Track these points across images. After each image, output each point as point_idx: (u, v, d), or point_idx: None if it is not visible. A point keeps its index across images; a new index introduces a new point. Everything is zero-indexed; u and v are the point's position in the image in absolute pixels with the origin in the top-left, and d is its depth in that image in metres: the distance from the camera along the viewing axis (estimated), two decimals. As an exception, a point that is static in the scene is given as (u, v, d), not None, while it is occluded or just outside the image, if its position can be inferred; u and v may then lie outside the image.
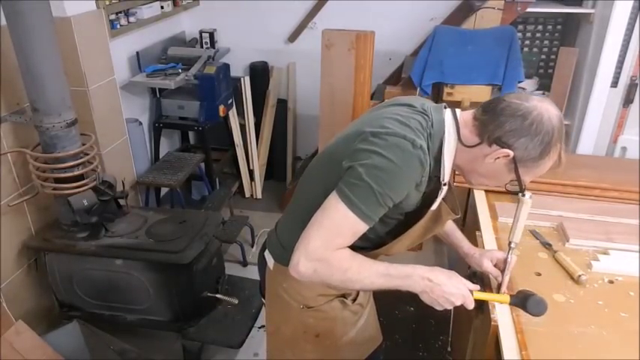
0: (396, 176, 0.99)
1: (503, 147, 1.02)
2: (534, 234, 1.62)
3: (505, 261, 1.24)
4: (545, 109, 1.01)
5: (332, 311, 1.28)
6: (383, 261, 1.11)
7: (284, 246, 1.23)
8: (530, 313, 1.11)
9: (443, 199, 1.17)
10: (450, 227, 1.40)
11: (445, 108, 1.12)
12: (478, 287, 1.12)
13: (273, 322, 1.38)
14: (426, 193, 1.12)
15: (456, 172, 1.20)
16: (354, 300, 1.32)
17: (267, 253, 1.31)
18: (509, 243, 1.22)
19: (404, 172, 1.00)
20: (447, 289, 1.06)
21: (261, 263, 1.36)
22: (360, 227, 1.02)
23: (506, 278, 1.24)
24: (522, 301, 1.11)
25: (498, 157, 1.04)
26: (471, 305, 1.09)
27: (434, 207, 1.15)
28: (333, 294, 1.27)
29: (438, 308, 1.08)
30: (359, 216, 1.00)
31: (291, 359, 1.36)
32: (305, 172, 1.25)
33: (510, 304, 1.14)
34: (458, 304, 1.07)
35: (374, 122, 1.06)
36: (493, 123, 1.03)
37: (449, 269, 1.11)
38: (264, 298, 1.41)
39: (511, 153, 1.02)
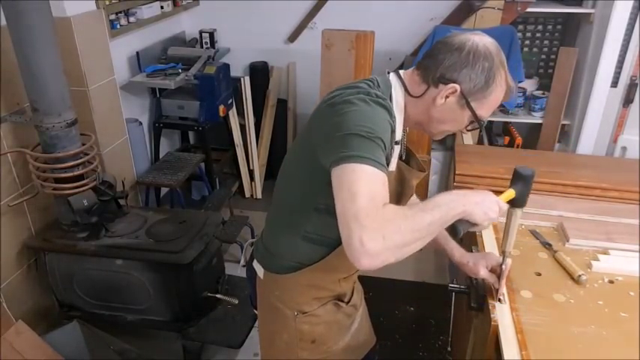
0: (373, 117, 0.97)
1: (447, 83, 1.03)
2: (534, 234, 1.61)
3: (500, 268, 1.24)
4: (478, 38, 1.04)
5: (326, 315, 1.27)
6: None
7: (272, 253, 1.22)
8: (522, 175, 1.13)
9: (405, 162, 1.18)
10: (440, 234, 1.32)
11: (387, 72, 1.14)
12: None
13: (267, 335, 1.35)
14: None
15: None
16: (348, 302, 1.31)
17: (255, 264, 1.29)
18: (503, 252, 1.23)
19: (376, 113, 0.98)
20: (480, 197, 1.02)
21: (251, 274, 1.33)
22: (382, 176, 0.91)
23: (503, 283, 1.26)
24: (523, 183, 1.14)
25: (447, 96, 1.04)
26: (505, 205, 1.09)
27: (391, 167, 1.11)
28: (326, 296, 1.26)
29: (492, 217, 1.02)
30: (374, 165, 0.90)
31: None
32: (277, 178, 1.23)
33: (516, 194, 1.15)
34: (501, 205, 1.06)
35: (329, 99, 1.05)
36: (433, 64, 1.04)
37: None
38: (255, 310, 1.38)
39: (457, 87, 1.03)
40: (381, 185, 0.91)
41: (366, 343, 1.43)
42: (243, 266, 1.45)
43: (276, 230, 1.21)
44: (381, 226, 0.86)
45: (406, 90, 1.10)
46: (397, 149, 1.11)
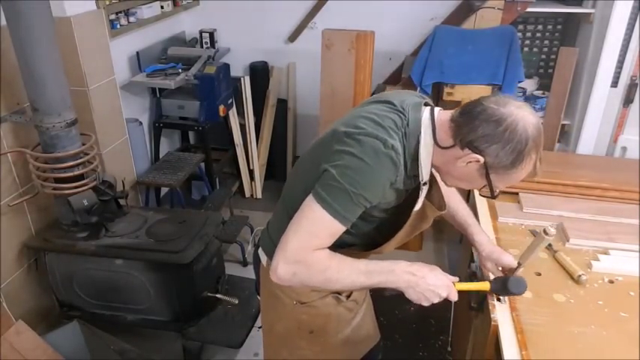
0: (369, 176, 1.00)
1: (474, 152, 1.01)
2: (534, 234, 1.61)
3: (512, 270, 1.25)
4: (521, 116, 0.98)
5: (325, 307, 1.29)
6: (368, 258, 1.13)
7: (275, 243, 1.23)
8: (512, 294, 1.13)
9: (427, 197, 1.18)
10: (458, 208, 1.37)
11: (425, 105, 1.11)
12: (457, 278, 1.13)
13: (267, 320, 1.40)
14: (407, 192, 1.13)
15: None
16: (349, 297, 1.32)
17: (260, 251, 1.33)
18: (518, 264, 1.24)
19: (376, 171, 1.00)
20: (432, 282, 1.07)
21: (256, 262, 1.37)
22: (337, 227, 1.03)
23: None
24: (502, 284, 1.14)
25: (470, 162, 1.03)
26: (454, 297, 1.10)
27: (417, 207, 1.16)
28: (325, 290, 1.27)
29: (425, 304, 1.09)
30: (334, 216, 1.01)
31: (286, 358, 1.37)
32: (292, 170, 1.27)
33: (491, 290, 1.17)
34: (444, 295, 1.08)
35: (350, 122, 1.07)
36: (467, 126, 1.01)
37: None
38: (259, 296, 1.43)
39: (481, 159, 1.01)
40: (327, 235, 1.04)
41: (368, 339, 1.44)
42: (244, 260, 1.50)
43: (280, 223, 1.23)
44: (297, 264, 1.03)
45: (434, 136, 1.07)
46: (425, 190, 1.13)
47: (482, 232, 1.36)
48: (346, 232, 1.08)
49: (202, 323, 2.11)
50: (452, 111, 1.09)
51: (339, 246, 1.12)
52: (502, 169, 1.02)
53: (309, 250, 1.03)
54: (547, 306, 1.29)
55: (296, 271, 1.03)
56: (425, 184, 1.12)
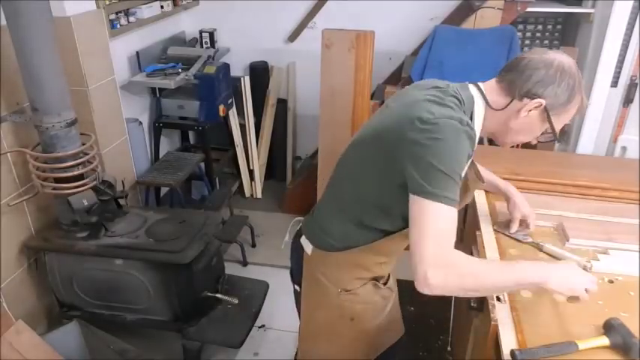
0: (458, 154, 1.04)
1: (534, 98, 1.12)
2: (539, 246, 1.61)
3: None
4: (564, 58, 1.12)
5: (367, 295, 1.33)
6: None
7: (325, 231, 1.28)
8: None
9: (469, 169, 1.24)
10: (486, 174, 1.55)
11: (471, 84, 1.21)
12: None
13: (308, 309, 1.41)
14: None
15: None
16: (385, 284, 1.37)
17: (304, 240, 1.35)
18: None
19: (460, 148, 1.04)
20: (577, 279, 1.12)
21: (297, 250, 1.39)
22: (454, 213, 1.03)
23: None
24: (625, 347, 1.12)
25: (531, 109, 1.13)
26: (594, 287, 1.14)
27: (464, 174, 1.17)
28: (367, 277, 1.32)
29: (575, 297, 1.12)
30: (450, 204, 1.01)
31: (324, 346, 1.40)
32: (340, 162, 1.29)
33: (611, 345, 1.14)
34: (591, 287, 1.12)
35: (415, 107, 1.09)
36: (520, 79, 1.12)
37: None
38: (297, 286, 1.45)
39: (543, 102, 1.11)
40: (451, 225, 1.03)
41: (396, 330, 1.48)
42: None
43: (331, 213, 1.28)
44: (446, 267, 1.00)
45: (487, 102, 1.18)
46: (468, 163, 1.16)
47: (512, 187, 1.59)
48: (402, 218, 1.14)
49: (202, 323, 2.11)
50: (494, 78, 1.20)
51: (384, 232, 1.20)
52: (560, 107, 1.13)
53: (449, 250, 1.02)
54: (547, 306, 1.29)
55: (447, 274, 1.00)
56: (469, 156, 1.14)
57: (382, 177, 1.13)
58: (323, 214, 1.32)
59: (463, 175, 1.08)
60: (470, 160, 1.15)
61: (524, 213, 1.55)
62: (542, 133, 1.21)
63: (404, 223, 1.15)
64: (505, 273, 1.07)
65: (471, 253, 1.53)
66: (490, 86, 1.20)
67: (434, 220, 1.01)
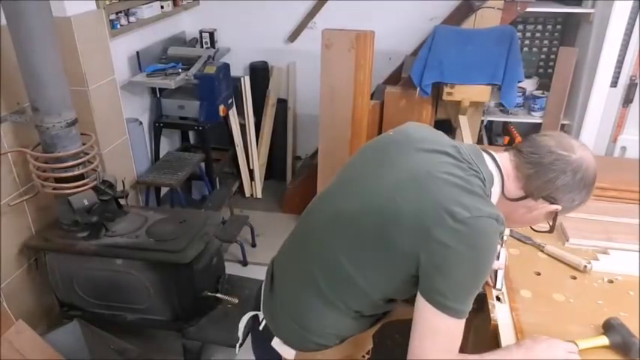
0: (490, 262, 0.94)
1: (552, 202, 1.01)
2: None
3: (497, 256, 1.26)
4: (589, 158, 1.00)
5: None
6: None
7: (310, 330, 1.06)
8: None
9: None
10: None
11: (483, 152, 1.05)
12: (575, 346, 1.10)
13: None
14: None
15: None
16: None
17: (277, 344, 1.10)
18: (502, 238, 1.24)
19: (493, 251, 0.93)
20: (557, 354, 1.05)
21: (269, 355, 1.13)
22: (460, 327, 0.95)
23: (500, 273, 1.30)
24: (624, 347, 1.11)
25: (550, 212, 1.03)
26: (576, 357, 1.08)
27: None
28: (360, 356, 1.14)
29: None
30: (463, 317, 0.93)
31: None
32: (308, 240, 1.09)
33: (611, 345, 1.13)
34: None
35: (439, 193, 0.92)
36: (541, 179, 0.99)
37: None
38: None
39: (560, 208, 1.01)
40: (457, 338, 0.94)
41: None
42: (241, 345, 1.32)
43: (315, 308, 1.05)
44: None
45: (502, 187, 1.03)
46: None
47: None
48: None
49: (202, 323, 2.11)
50: (512, 157, 1.04)
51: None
52: (569, 210, 1.04)
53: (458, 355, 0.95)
54: (546, 305, 1.29)
55: None
56: None
57: (390, 269, 0.96)
58: (301, 310, 1.06)
59: None
60: None
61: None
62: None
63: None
64: None
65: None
66: (508, 168, 1.03)
67: (445, 334, 0.92)
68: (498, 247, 0.97)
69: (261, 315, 1.16)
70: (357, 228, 0.99)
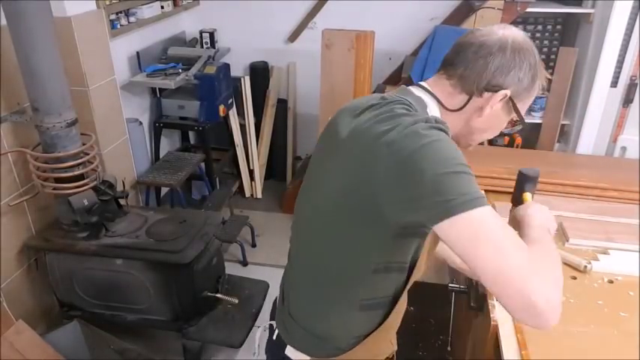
0: (448, 145, 0.83)
1: (497, 90, 0.93)
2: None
3: None
4: (516, 34, 0.94)
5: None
6: None
7: (319, 336, 1.02)
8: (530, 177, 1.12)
9: None
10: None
11: (406, 87, 1.00)
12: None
13: None
14: None
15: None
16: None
17: (292, 351, 1.06)
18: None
19: (447, 140, 0.84)
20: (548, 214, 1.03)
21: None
22: (498, 215, 0.80)
23: None
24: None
25: (496, 103, 0.94)
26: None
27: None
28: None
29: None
30: (485, 204, 0.79)
31: None
32: (300, 236, 1.07)
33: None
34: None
35: (369, 136, 0.86)
36: (474, 71, 0.93)
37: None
38: None
39: (508, 92, 0.93)
40: (502, 221, 0.80)
41: None
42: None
43: (320, 308, 1.01)
44: (547, 275, 0.81)
45: (440, 103, 0.97)
46: None
47: None
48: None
49: (202, 323, 2.11)
50: (440, 72, 0.99)
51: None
52: (525, 92, 0.96)
53: (532, 257, 0.79)
54: (547, 306, 1.29)
55: (555, 282, 0.84)
56: None
57: (366, 231, 0.89)
58: (310, 317, 1.03)
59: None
60: None
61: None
62: (510, 123, 1.04)
63: (404, 272, 0.99)
64: (549, 244, 0.92)
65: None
66: (437, 84, 0.98)
67: (499, 229, 0.78)
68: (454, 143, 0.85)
69: (274, 324, 1.13)
70: (327, 221, 0.95)
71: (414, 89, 0.99)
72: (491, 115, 0.96)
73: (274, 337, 1.11)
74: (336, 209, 0.92)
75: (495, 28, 0.95)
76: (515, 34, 0.94)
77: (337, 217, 0.92)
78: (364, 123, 0.90)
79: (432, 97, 0.97)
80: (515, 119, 1.01)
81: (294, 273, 1.08)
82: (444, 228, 0.78)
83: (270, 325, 1.14)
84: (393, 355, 1.15)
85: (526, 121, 1.05)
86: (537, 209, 1.03)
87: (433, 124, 0.84)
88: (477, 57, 0.92)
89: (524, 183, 1.16)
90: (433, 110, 0.97)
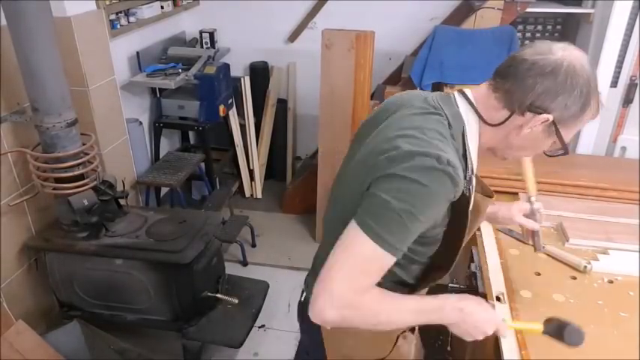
0: (425, 198, 0.87)
1: (539, 113, 0.91)
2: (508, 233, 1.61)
3: (533, 212, 1.27)
4: (574, 57, 0.90)
5: (402, 354, 1.19)
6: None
7: None
8: (567, 344, 1.03)
9: (476, 189, 1.09)
10: None
11: (450, 95, 1.02)
12: (504, 319, 1.07)
13: None
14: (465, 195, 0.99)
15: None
16: (412, 330, 1.23)
17: None
18: (529, 198, 1.27)
19: (433, 192, 0.87)
20: (479, 317, 0.99)
21: (309, 328, 1.13)
22: (387, 261, 0.89)
23: (539, 229, 1.29)
24: (557, 330, 1.04)
25: (536, 125, 0.93)
26: (504, 332, 1.03)
27: (472, 203, 1.04)
28: (395, 334, 1.16)
29: (468, 339, 1.01)
30: (386, 249, 0.87)
31: None
32: (331, 195, 1.12)
33: (544, 333, 1.07)
34: (489, 333, 1.01)
35: (389, 143, 0.93)
36: (520, 89, 0.91)
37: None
38: None
39: (550, 117, 0.91)
40: (377, 270, 0.91)
41: None
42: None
43: None
44: (347, 309, 0.90)
45: (480, 118, 0.98)
46: (474, 180, 1.03)
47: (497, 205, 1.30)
48: (406, 263, 1.03)
49: (202, 323, 2.11)
50: (486, 83, 0.99)
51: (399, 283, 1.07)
52: (571, 119, 0.93)
53: (360, 293, 0.89)
54: (547, 306, 1.29)
55: (346, 316, 0.90)
56: (474, 174, 1.01)
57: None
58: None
59: (435, 222, 0.94)
60: (474, 178, 1.03)
61: (522, 209, 1.30)
62: (551, 145, 1.01)
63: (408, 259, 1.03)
64: (410, 317, 0.98)
65: (471, 254, 1.53)
66: (482, 95, 0.99)
67: (361, 259, 0.88)
68: (450, 192, 0.89)
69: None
70: (342, 180, 1.07)
71: (458, 99, 1.00)
72: (530, 136, 0.96)
73: (302, 299, 1.18)
74: (346, 183, 1.03)
75: (555, 48, 0.92)
76: (573, 57, 0.91)
77: (347, 188, 1.02)
78: (393, 124, 0.98)
79: (473, 112, 0.98)
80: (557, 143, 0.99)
81: (324, 237, 1.12)
82: (349, 226, 0.91)
83: (302, 290, 1.21)
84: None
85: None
86: (482, 310, 1.01)
87: (437, 166, 0.87)
88: (527, 75, 0.91)
89: (558, 331, 1.06)
90: (472, 127, 0.98)
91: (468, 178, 0.97)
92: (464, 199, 0.96)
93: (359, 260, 0.89)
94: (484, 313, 1.01)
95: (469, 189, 0.98)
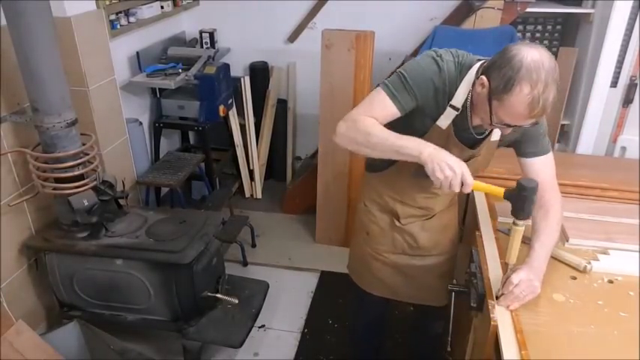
0: (418, 69, 1.29)
1: (484, 75, 1.20)
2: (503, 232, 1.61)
3: (506, 279, 1.27)
4: (526, 50, 1.13)
5: (381, 221, 1.64)
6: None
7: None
8: (525, 188, 1.15)
9: (459, 136, 1.36)
10: (538, 222, 1.41)
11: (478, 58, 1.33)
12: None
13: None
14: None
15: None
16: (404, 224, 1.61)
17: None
18: (506, 263, 1.30)
19: (424, 67, 1.29)
20: (450, 157, 1.18)
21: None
22: (388, 103, 1.29)
23: (509, 296, 1.26)
24: (515, 190, 1.17)
25: (480, 85, 1.21)
26: (469, 181, 1.17)
27: (443, 124, 1.33)
28: (384, 206, 1.62)
29: (439, 176, 1.16)
30: (387, 93, 1.29)
31: (351, 251, 1.83)
32: None
33: (504, 197, 1.20)
34: (458, 172, 1.16)
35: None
36: (489, 61, 1.23)
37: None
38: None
39: (485, 80, 1.18)
40: (380, 108, 1.31)
41: (397, 288, 1.71)
42: None
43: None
44: (350, 121, 1.31)
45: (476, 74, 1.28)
46: (450, 111, 1.31)
47: (539, 254, 1.32)
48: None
49: (202, 323, 2.12)
50: None
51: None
52: (498, 94, 1.15)
53: (363, 115, 1.30)
54: (546, 306, 1.29)
55: (348, 127, 1.30)
56: (453, 107, 1.30)
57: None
58: None
59: (420, 95, 1.29)
60: (450, 110, 1.31)
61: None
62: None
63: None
64: (390, 139, 1.24)
65: (471, 254, 1.53)
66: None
67: (371, 98, 1.33)
68: (432, 68, 1.29)
69: None
70: None
71: (478, 61, 1.32)
72: (479, 98, 1.23)
73: None
74: None
75: (529, 45, 1.16)
76: (528, 51, 1.13)
77: None
78: None
79: (480, 66, 1.29)
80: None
81: None
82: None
83: None
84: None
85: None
86: (445, 159, 1.18)
87: (436, 55, 1.32)
88: (499, 54, 1.19)
89: (514, 191, 1.19)
90: (470, 75, 1.29)
91: (446, 102, 1.30)
92: (429, 109, 1.32)
93: (370, 99, 1.34)
94: (454, 159, 1.19)
95: (442, 105, 1.31)
